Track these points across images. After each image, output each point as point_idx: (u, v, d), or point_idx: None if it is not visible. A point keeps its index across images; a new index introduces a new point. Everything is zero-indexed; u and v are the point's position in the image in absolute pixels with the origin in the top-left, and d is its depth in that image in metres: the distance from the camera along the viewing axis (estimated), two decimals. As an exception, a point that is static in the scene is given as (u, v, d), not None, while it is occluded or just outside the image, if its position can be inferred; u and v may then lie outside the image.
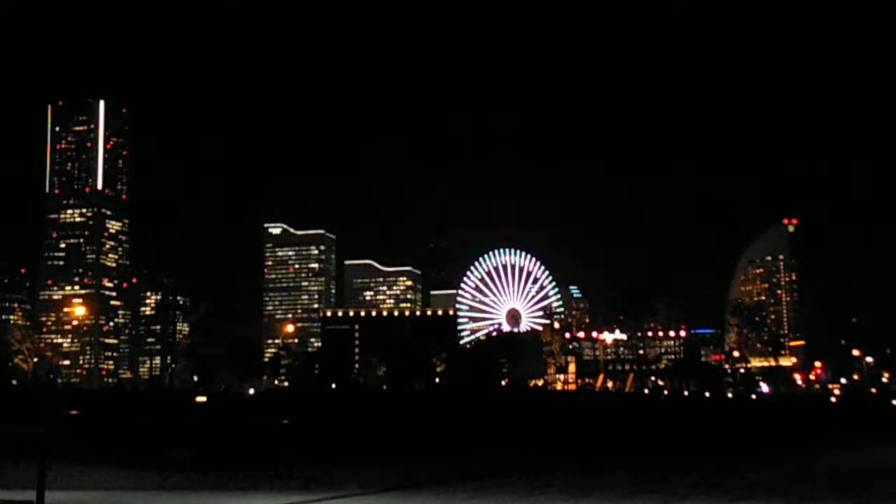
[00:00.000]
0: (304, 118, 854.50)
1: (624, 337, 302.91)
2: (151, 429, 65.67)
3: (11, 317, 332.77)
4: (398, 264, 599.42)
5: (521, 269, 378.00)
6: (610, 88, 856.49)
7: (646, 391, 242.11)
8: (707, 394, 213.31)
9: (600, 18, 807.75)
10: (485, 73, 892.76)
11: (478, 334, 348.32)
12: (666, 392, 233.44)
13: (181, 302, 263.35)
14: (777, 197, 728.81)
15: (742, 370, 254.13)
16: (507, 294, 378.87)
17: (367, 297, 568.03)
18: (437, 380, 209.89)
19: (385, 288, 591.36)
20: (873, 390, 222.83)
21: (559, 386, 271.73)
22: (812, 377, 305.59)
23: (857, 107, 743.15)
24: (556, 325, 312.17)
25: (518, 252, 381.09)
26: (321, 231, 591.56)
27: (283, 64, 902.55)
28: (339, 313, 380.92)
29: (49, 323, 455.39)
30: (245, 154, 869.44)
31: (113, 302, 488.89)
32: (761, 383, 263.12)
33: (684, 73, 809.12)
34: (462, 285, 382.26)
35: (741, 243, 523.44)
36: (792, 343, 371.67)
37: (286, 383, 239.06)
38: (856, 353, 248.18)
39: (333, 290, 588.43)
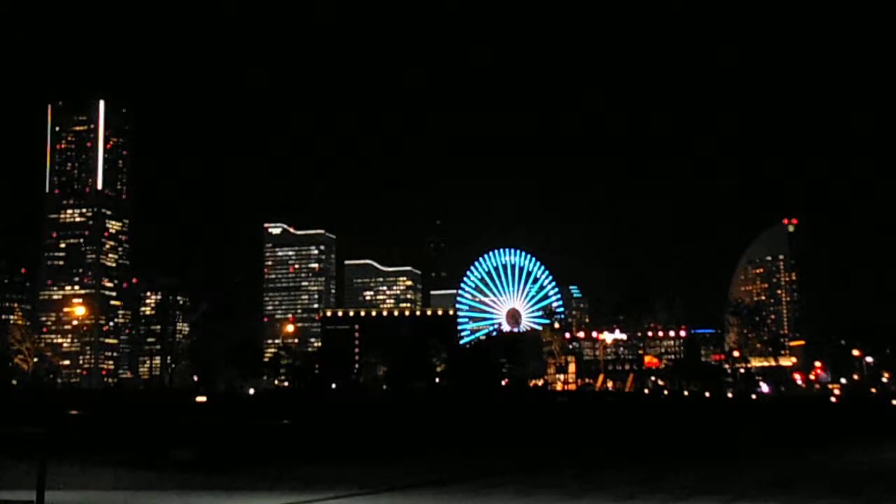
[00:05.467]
0: (304, 117, 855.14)
1: (624, 337, 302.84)
2: (152, 429, 65.62)
3: (11, 317, 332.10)
4: (398, 264, 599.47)
5: (521, 269, 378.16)
6: (609, 88, 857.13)
7: (646, 391, 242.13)
8: (707, 394, 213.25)
9: (602, 19, 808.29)
10: (485, 72, 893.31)
11: (478, 334, 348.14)
12: (666, 392, 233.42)
13: (181, 302, 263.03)
14: (777, 197, 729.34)
15: (742, 370, 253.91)
16: (507, 294, 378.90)
17: (367, 297, 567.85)
18: (437, 380, 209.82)
19: (385, 288, 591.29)
20: (873, 390, 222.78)
21: (559, 386, 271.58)
22: (812, 377, 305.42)
23: (858, 106, 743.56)
24: (556, 325, 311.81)
25: (518, 252, 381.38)
26: (321, 231, 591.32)
27: (283, 63, 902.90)
28: (339, 313, 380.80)
29: (49, 323, 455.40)
30: (245, 154, 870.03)
31: (113, 302, 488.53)
32: (761, 383, 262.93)
33: (684, 71, 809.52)
34: (462, 285, 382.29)
35: (741, 243, 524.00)
36: (792, 343, 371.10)
37: (286, 383, 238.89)
38: (856, 353, 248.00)
39: (333, 290, 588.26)
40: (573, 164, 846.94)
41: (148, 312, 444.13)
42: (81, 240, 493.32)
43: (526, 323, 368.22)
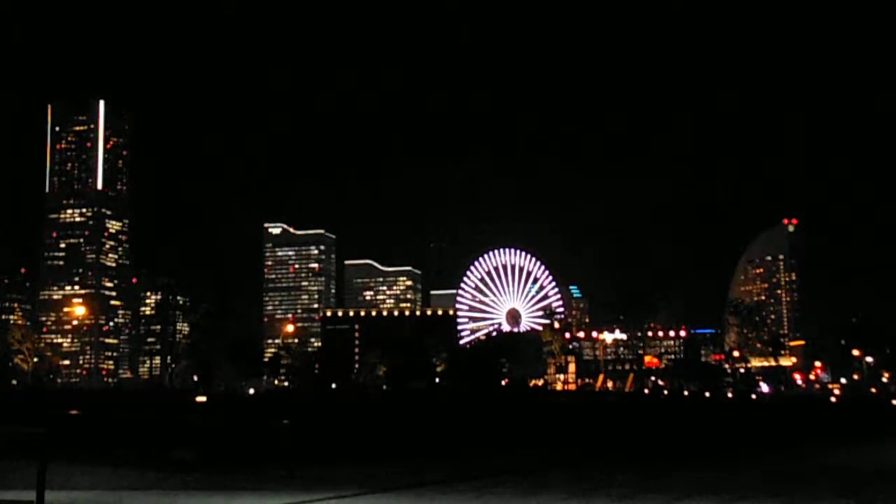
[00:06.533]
0: (304, 118, 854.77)
1: (624, 337, 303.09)
2: (151, 429, 65.52)
3: (11, 317, 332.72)
4: (398, 264, 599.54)
5: (521, 269, 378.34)
6: (609, 88, 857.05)
7: (646, 391, 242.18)
8: (707, 394, 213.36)
9: (603, 19, 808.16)
10: (485, 73, 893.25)
11: (478, 334, 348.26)
12: (666, 392, 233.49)
13: (181, 302, 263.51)
14: (777, 197, 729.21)
15: (742, 370, 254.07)
16: (507, 294, 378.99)
17: (367, 297, 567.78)
18: (437, 380, 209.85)
19: (385, 288, 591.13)
20: (873, 390, 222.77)
21: (559, 386, 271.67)
22: (812, 377, 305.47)
23: (858, 106, 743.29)
24: (556, 325, 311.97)
25: (518, 252, 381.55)
26: (321, 231, 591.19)
27: (283, 64, 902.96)
28: (339, 313, 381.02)
29: (49, 323, 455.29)
30: (245, 154, 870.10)
31: (113, 302, 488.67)
32: (761, 383, 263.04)
33: (684, 71, 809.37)
34: (462, 285, 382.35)
35: (741, 243, 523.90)
36: (792, 343, 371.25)
37: (286, 383, 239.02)
38: (856, 353, 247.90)
39: (333, 290, 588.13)
40: (573, 163, 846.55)
41: (148, 312, 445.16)
42: (81, 240, 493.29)
43: (526, 323, 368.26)
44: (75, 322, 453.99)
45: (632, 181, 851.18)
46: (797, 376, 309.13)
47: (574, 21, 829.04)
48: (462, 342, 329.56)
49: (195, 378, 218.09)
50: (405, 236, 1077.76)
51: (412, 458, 54.98)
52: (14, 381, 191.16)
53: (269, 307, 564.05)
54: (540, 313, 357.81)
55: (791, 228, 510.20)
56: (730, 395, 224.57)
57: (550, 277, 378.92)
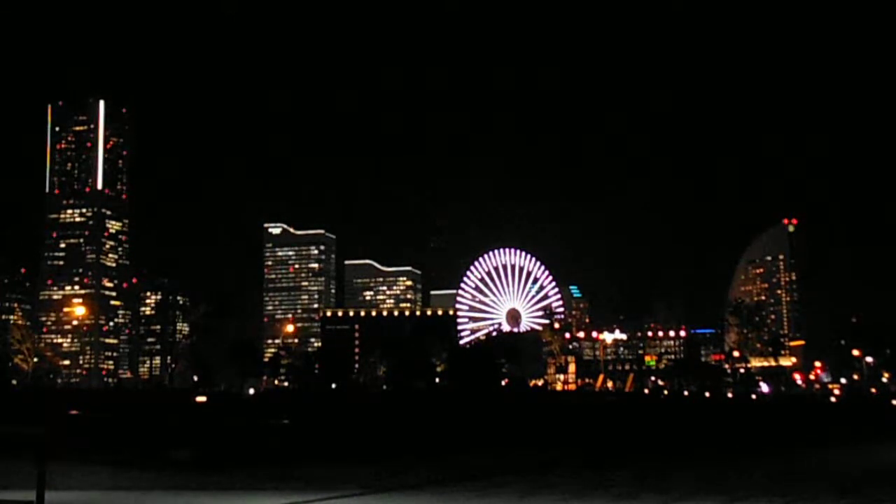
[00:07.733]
0: (304, 118, 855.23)
1: (624, 337, 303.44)
2: (151, 429, 65.56)
3: (11, 317, 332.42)
4: (398, 264, 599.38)
5: (521, 269, 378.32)
6: (608, 88, 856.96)
7: (646, 391, 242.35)
8: (707, 394, 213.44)
9: (604, 19, 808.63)
10: (484, 73, 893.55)
11: (478, 334, 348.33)
12: (666, 392, 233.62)
13: (181, 302, 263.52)
14: (777, 197, 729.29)
15: (742, 370, 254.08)
16: (507, 294, 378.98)
17: (367, 297, 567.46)
18: (437, 380, 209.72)
19: (385, 288, 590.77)
20: (873, 390, 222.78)
21: (559, 386, 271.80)
22: (812, 377, 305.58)
23: (859, 107, 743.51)
24: (556, 325, 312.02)
25: (518, 252, 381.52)
26: (321, 231, 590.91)
27: (283, 64, 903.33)
28: (339, 313, 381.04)
29: (49, 323, 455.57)
30: (245, 154, 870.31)
31: (113, 302, 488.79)
32: (761, 383, 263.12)
33: (683, 70, 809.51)
34: (462, 285, 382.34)
35: (741, 243, 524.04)
36: (792, 343, 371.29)
37: (286, 383, 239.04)
38: (856, 353, 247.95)
39: (333, 290, 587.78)
40: (574, 164, 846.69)
41: (148, 312, 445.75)
42: (81, 240, 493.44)
43: (526, 323, 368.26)
44: (75, 322, 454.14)
45: (632, 181, 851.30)
46: (797, 376, 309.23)
47: (573, 20, 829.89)
48: (462, 342, 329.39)
49: (195, 378, 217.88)
50: (405, 236, 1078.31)
51: (412, 458, 55.00)
52: (14, 381, 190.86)
53: (269, 307, 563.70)
54: (540, 313, 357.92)
55: (791, 228, 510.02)
56: (730, 395, 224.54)
57: (550, 277, 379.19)
